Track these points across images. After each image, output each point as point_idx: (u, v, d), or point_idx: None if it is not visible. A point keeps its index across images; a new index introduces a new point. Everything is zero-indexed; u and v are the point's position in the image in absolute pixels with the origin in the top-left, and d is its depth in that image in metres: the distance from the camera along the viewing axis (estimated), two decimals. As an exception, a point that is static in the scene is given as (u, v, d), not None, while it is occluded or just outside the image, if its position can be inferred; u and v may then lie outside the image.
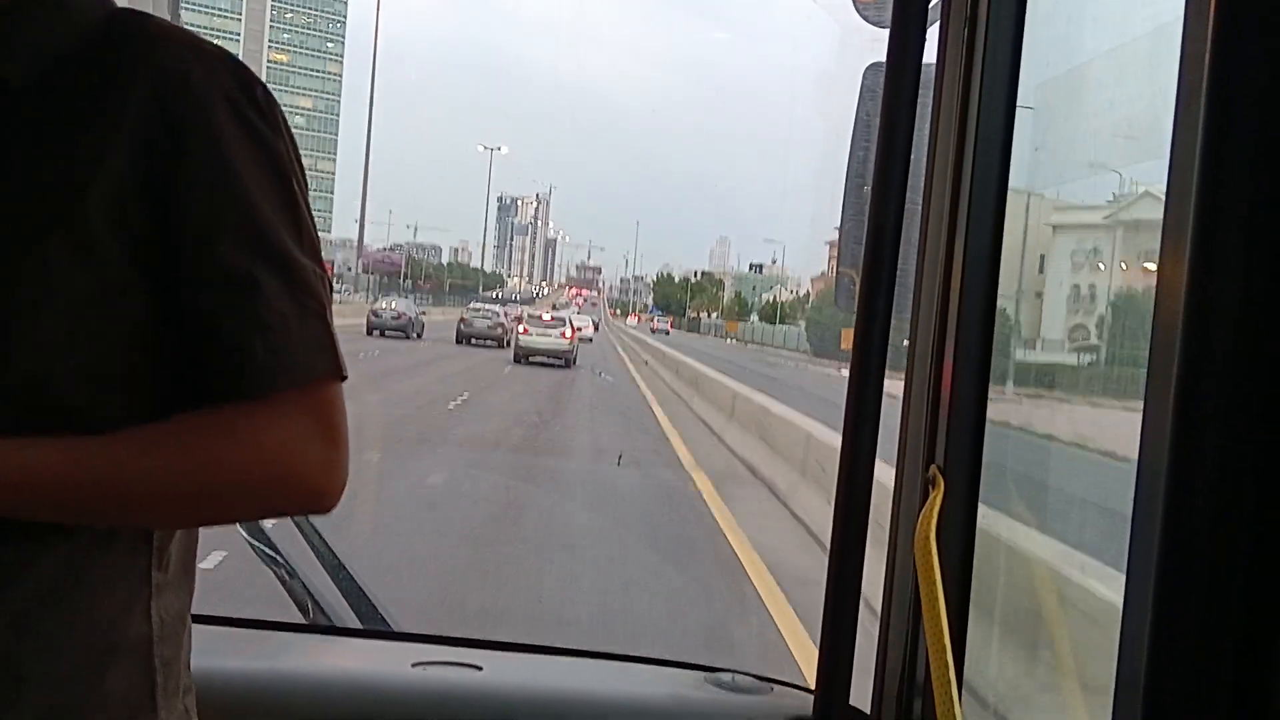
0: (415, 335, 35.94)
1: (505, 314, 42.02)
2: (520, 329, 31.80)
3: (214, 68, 0.92)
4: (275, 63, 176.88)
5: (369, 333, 33.22)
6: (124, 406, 0.90)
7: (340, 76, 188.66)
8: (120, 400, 0.90)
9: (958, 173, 1.35)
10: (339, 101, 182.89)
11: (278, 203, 0.93)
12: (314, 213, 1.00)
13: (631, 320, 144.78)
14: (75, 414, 0.88)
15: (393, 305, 38.39)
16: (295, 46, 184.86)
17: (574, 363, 30.21)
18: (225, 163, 0.90)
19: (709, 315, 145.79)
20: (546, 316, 33.90)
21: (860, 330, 1.41)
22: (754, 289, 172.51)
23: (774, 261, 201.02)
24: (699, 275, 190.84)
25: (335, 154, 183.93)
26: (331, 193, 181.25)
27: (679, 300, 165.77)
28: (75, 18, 0.93)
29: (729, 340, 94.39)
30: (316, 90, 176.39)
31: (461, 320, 37.76)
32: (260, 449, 0.90)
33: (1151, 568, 0.81)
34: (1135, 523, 0.84)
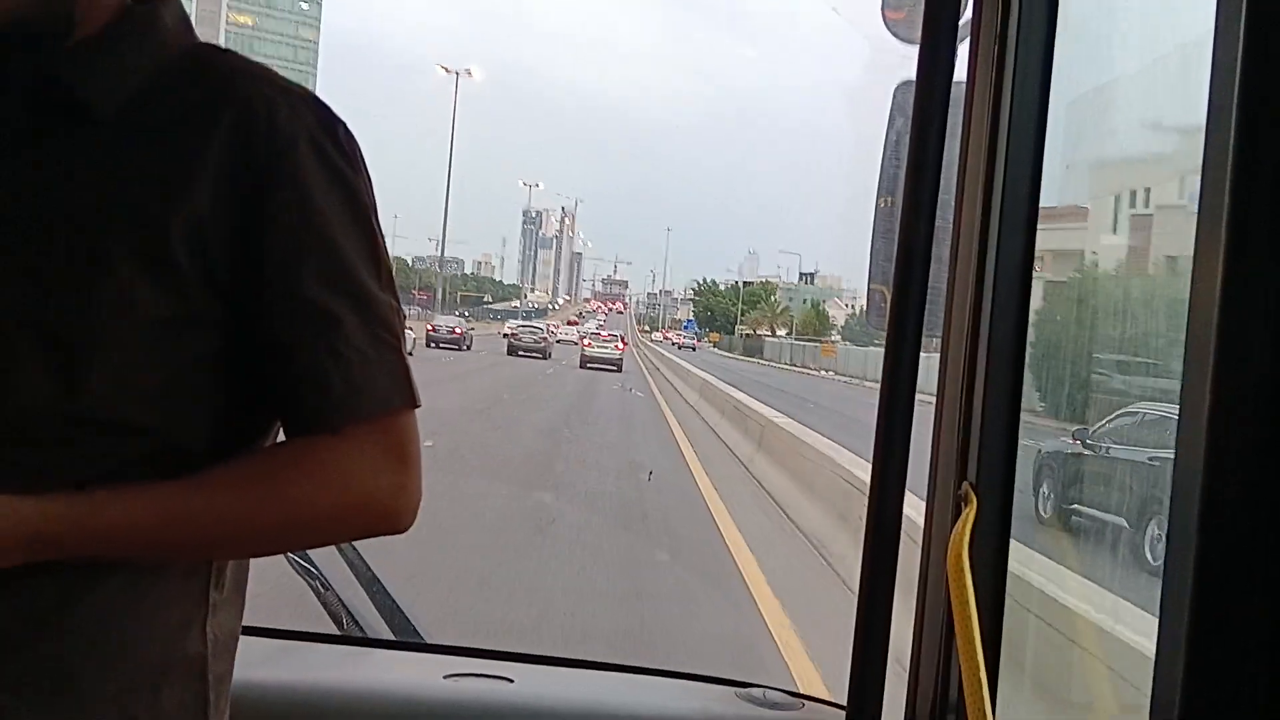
0: (466, 347, 43.84)
1: (550, 330, 56.44)
2: (585, 343, 46.50)
3: (297, 107, 0.95)
4: (236, 26, 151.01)
5: (428, 345, 39.88)
6: (195, 432, 0.93)
7: (316, 44, 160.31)
8: (191, 426, 0.93)
9: (988, 190, 1.35)
10: (314, 74, 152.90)
11: (357, 240, 0.96)
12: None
13: (659, 337, 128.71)
14: (145, 436, 0.90)
15: (448, 322, 47.48)
16: (261, 7, 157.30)
17: (622, 368, 41.63)
18: (308, 201, 0.93)
19: (773, 332, 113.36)
20: (604, 334, 48.46)
21: (891, 348, 1.41)
22: (805, 302, 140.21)
23: (815, 272, 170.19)
24: (753, 282, 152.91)
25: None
26: None
27: (726, 313, 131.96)
28: (160, 50, 0.96)
29: (824, 372, 58.24)
30: (287, 60, 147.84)
31: (512, 335, 47.71)
32: (338, 481, 0.94)
33: (1186, 598, 0.80)
34: (1169, 551, 0.83)
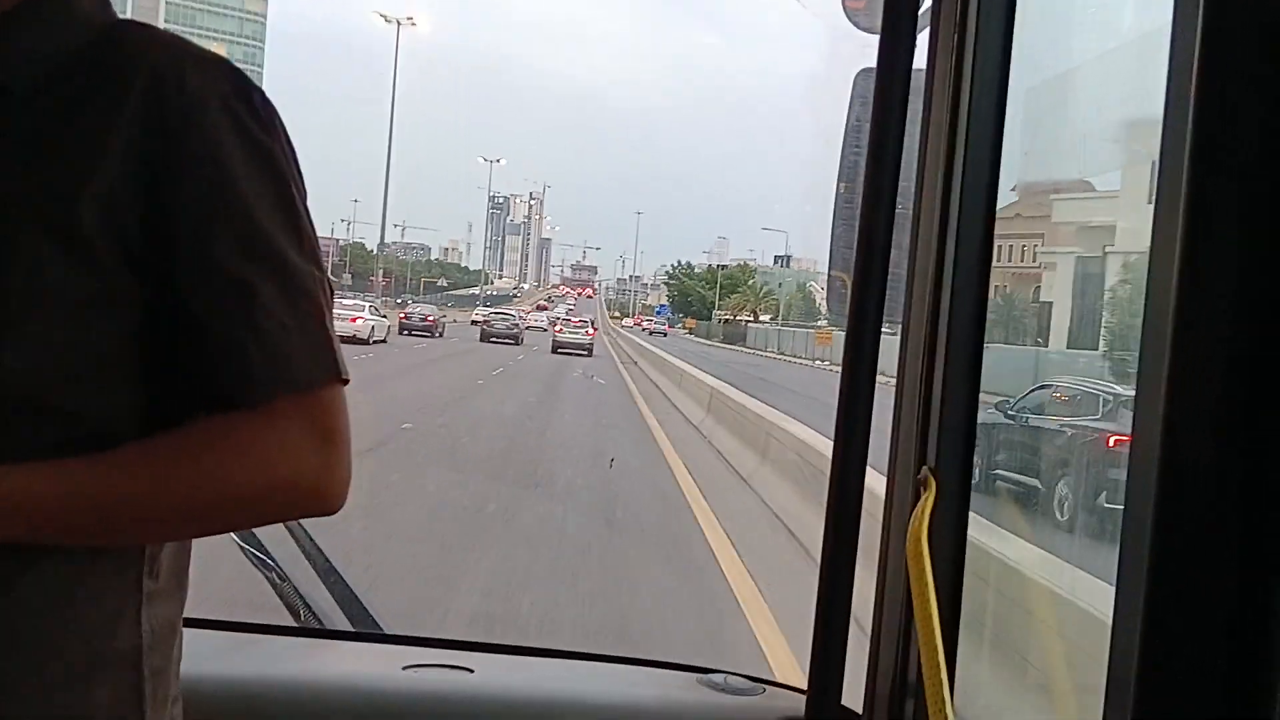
0: (439, 335, 44.41)
1: (521, 317, 56.70)
2: (556, 329, 47.94)
3: (209, 72, 0.92)
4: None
5: (401, 332, 40.42)
6: (115, 410, 0.90)
7: (264, 17, 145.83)
8: (111, 403, 0.89)
9: (948, 177, 1.36)
10: (263, 49, 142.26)
11: (274, 207, 0.92)
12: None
13: (630, 323, 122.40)
14: (66, 417, 0.87)
15: (420, 310, 48.32)
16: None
17: (592, 353, 43.06)
18: (220, 167, 0.90)
19: (755, 318, 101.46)
20: (575, 320, 49.69)
21: (851, 334, 1.42)
22: (780, 285, 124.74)
23: (789, 255, 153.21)
24: (728, 265, 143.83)
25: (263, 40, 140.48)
26: None
27: (702, 298, 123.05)
28: (76, 25, 0.93)
29: (820, 363, 46.48)
30: (232, 34, 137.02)
31: (485, 322, 48.93)
32: (258, 459, 0.90)
33: (1143, 569, 0.81)
34: (1126, 524, 0.84)
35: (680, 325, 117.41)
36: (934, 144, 1.39)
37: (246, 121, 0.92)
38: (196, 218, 0.89)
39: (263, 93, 0.95)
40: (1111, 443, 2.85)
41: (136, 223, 0.88)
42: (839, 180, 1.58)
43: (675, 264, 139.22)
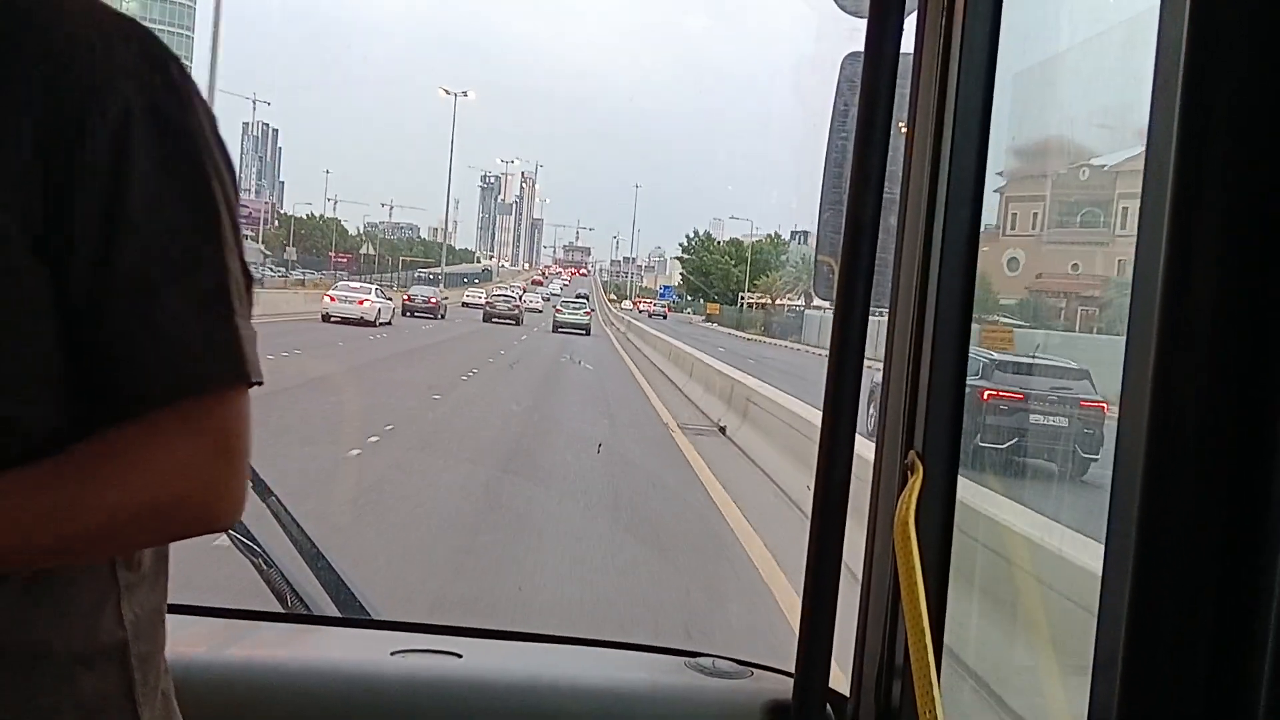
0: (441, 316, 44.68)
1: (523, 298, 59.66)
2: (555, 309, 49.34)
3: (116, 45, 0.83)
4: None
5: (404, 314, 40.39)
6: (49, 420, 0.84)
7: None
8: (45, 413, 0.84)
9: (935, 161, 1.35)
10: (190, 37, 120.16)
11: (185, 192, 0.84)
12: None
13: (629, 305, 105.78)
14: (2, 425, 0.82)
15: (423, 292, 48.72)
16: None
17: (590, 332, 44.24)
18: (125, 148, 0.81)
19: (808, 302, 59.05)
20: (575, 299, 52.35)
21: (839, 318, 1.41)
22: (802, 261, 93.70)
23: (807, 231, 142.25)
24: (760, 237, 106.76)
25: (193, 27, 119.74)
26: None
27: (726, 277, 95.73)
28: None
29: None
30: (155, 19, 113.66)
31: (488, 303, 50.97)
32: (153, 473, 0.84)
33: (1130, 543, 0.82)
34: (1114, 501, 0.85)
35: (687, 309, 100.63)
36: (921, 128, 1.38)
37: (161, 99, 0.84)
38: (95, 205, 0.81)
39: (180, 64, 0.87)
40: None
41: (39, 214, 0.80)
42: (826, 165, 1.57)
43: (691, 235, 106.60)
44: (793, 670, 1.53)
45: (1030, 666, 2.12)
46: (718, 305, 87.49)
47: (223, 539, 1.79)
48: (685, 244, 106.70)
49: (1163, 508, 0.82)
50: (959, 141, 1.33)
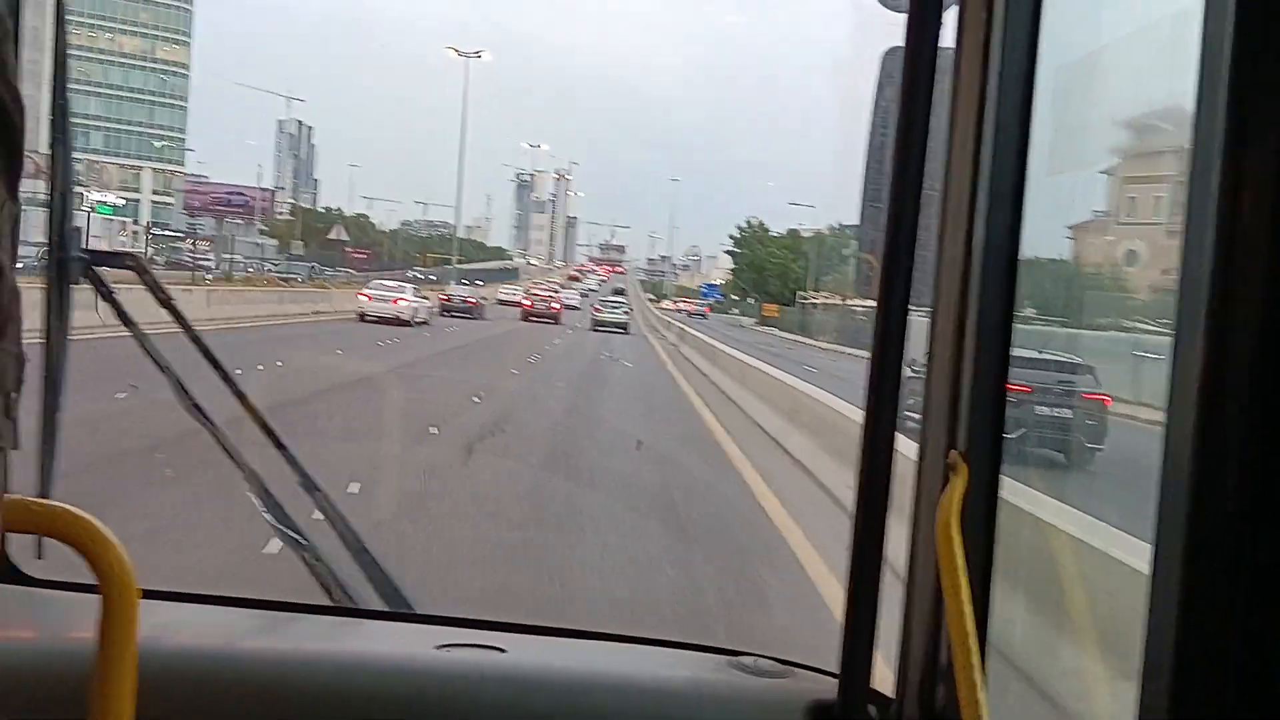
0: (478, 316, 43.56)
1: (559, 295, 57.39)
2: (595, 309, 50.11)
3: None
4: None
5: (442, 313, 39.92)
6: None
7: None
8: None
9: (976, 157, 1.35)
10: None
11: None
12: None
13: (668, 305, 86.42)
14: None
15: (460, 291, 48.22)
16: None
17: (629, 331, 44.98)
18: None
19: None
20: (613, 299, 52.13)
21: (880, 316, 1.41)
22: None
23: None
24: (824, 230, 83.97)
25: (190, 32, 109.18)
26: (185, 101, 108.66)
27: (785, 274, 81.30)
28: None
29: None
30: None
31: (526, 301, 50.61)
32: None
33: (1179, 543, 0.82)
34: (1162, 503, 0.84)
35: (732, 309, 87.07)
36: (962, 123, 1.37)
37: None
38: None
39: None
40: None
41: None
42: (866, 162, 1.57)
43: (745, 225, 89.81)
44: (836, 671, 1.53)
45: (1051, 645, 2.11)
46: (776, 306, 74.24)
47: (275, 541, 1.83)
48: (737, 236, 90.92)
49: (1211, 511, 0.81)
50: (1001, 136, 1.32)
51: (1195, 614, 0.82)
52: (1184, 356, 0.83)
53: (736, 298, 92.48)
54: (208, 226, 71.23)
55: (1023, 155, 1.33)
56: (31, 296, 1.70)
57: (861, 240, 1.63)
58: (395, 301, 31.72)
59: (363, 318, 30.69)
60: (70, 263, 1.71)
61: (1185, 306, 0.83)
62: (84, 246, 1.74)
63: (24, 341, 0.70)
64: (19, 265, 0.70)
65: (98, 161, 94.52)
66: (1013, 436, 1.43)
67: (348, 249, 78.55)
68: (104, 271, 1.77)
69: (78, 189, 1.82)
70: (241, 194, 75.26)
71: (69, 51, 1.71)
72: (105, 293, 1.76)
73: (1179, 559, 0.82)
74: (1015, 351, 1.38)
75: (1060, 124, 1.51)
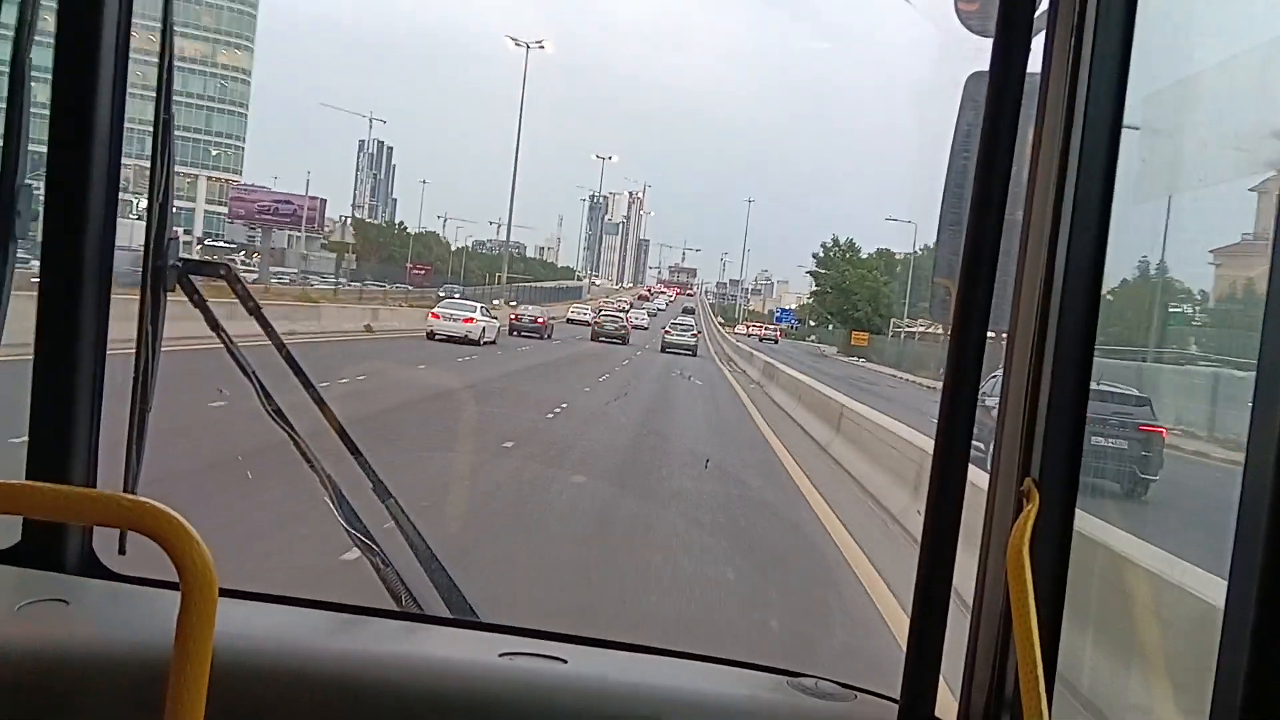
0: (547, 336, 42.76)
1: (629, 314, 58.44)
2: (665, 331, 50.35)
3: None
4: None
5: (510, 333, 39.17)
6: None
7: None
8: None
9: (1060, 184, 1.34)
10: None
11: None
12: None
13: (743, 330, 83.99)
14: None
15: (529, 311, 47.29)
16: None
17: (696, 353, 45.90)
18: None
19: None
20: (683, 323, 52.74)
21: (955, 342, 1.40)
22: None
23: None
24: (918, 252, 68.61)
25: (253, 37, 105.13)
26: (245, 108, 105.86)
27: (875, 298, 72.66)
28: None
29: None
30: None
31: (595, 322, 51.49)
32: None
33: (1255, 574, 0.80)
34: (1239, 528, 0.83)
35: (809, 336, 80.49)
36: (1048, 149, 1.36)
37: None
38: None
39: None
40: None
41: None
42: (946, 185, 1.56)
43: (830, 243, 78.63)
44: (898, 696, 1.51)
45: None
46: (865, 334, 64.96)
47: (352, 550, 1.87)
48: (820, 255, 78.47)
49: None
50: (1086, 163, 1.31)
51: (1268, 650, 0.80)
52: (1266, 389, 0.82)
53: (814, 323, 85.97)
54: (271, 240, 69.63)
55: (1109, 182, 1.32)
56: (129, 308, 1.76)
57: (938, 264, 1.62)
58: (466, 320, 31.69)
59: (431, 336, 30.77)
60: (166, 270, 1.77)
61: (1269, 339, 0.82)
62: (180, 256, 1.81)
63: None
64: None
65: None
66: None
67: (408, 265, 74.07)
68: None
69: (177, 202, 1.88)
70: (289, 202, 70.42)
71: (174, 64, 1.77)
72: (198, 300, 1.82)
73: (1253, 596, 0.80)
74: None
75: (1149, 154, 1.49)
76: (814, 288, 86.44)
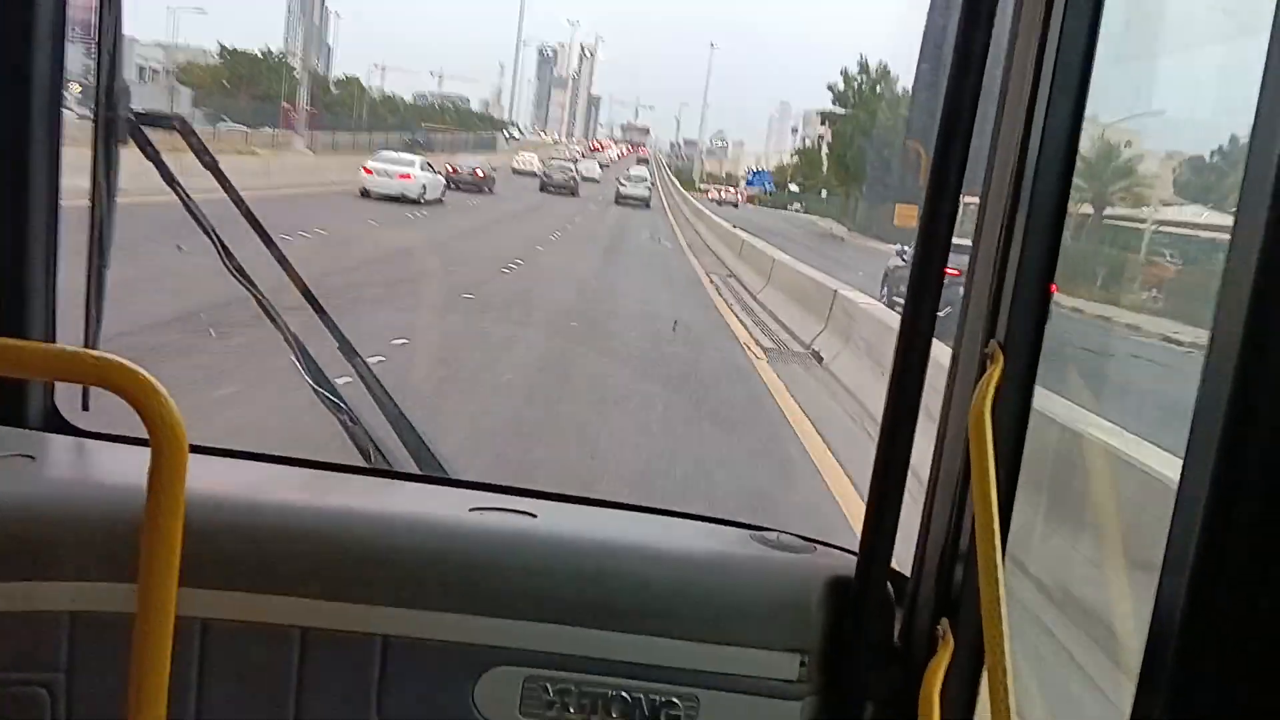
0: (489, 191, 39.67)
1: (578, 166, 57.51)
2: (619, 181, 51.98)
3: None
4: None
5: (448, 187, 34.74)
6: None
7: None
8: None
9: (1041, 46, 1.32)
10: None
11: None
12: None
13: (714, 194, 70.99)
14: None
15: (468, 162, 43.08)
16: None
17: (650, 205, 47.75)
18: None
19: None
20: (639, 168, 56.53)
21: (929, 204, 1.40)
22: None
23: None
24: None
25: None
26: None
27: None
28: None
29: None
30: None
31: (544, 173, 51.25)
32: None
33: (1211, 451, 0.83)
34: (1199, 405, 0.85)
35: (791, 205, 65.37)
36: (1030, 9, 1.34)
37: None
38: None
39: None
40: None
41: None
42: (923, 45, 1.53)
43: (853, 70, 55.78)
44: (856, 549, 1.57)
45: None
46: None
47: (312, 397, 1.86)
48: (837, 93, 55.71)
49: (1243, 433, 0.82)
50: (1069, 23, 1.29)
51: (1221, 514, 0.83)
52: (1235, 269, 0.83)
53: (795, 188, 69.33)
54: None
55: (1091, 43, 1.30)
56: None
57: (911, 126, 1.60)
58: (400, 177, 29.01)
59: (365, 194, 27.98)
60: (117, 122, 1.70)
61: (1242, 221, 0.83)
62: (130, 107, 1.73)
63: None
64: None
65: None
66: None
67: (284, 106, 61.62)
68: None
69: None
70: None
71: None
72: (151, 154, 1.76)
73: (1209, 470, 0.83)
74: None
75: (1131, 14, 1.46)
76: (797, 146, 74.75)
